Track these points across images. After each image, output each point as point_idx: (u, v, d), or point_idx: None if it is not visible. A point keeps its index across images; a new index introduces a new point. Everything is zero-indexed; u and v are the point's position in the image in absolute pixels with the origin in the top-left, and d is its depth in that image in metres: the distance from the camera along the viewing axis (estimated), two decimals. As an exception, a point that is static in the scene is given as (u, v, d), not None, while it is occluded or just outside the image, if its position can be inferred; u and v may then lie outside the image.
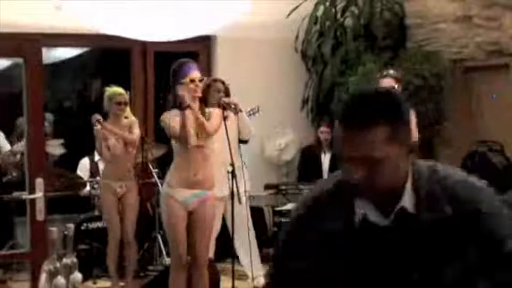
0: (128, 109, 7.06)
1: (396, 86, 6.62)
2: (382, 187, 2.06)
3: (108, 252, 6.90)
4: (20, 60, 4.56)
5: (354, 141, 2.02)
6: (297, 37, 9.11)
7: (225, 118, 6.80)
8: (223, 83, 7.10)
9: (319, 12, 9.10)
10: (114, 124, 6.92)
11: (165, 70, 9.23)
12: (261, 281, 7.20)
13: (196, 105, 5.72)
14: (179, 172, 5.70)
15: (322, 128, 8.68)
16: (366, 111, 2.03)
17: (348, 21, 9.13)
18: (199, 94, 5.71)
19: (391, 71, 6.93)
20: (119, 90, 7.01)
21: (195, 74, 5.74)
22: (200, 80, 5.73)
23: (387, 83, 6.69)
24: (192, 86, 5.66)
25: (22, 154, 7.24)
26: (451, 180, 2.14)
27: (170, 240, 5.76)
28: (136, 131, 7.01)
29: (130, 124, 6.99)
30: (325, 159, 8.65)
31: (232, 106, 6.71)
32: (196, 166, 5.68)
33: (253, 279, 7.19)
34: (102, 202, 7.10)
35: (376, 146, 2.01)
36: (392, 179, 2.08)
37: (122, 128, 6.93)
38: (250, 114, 7.37)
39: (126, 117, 7.00)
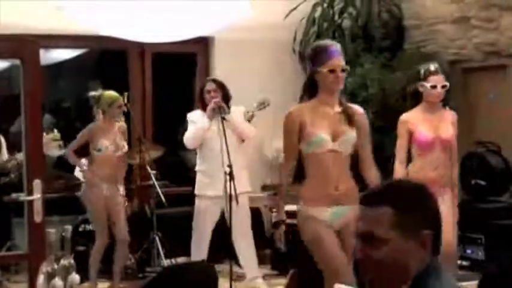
0: None
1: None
2: (377, 272, 2.14)
3: (94, 253, 6.91)
4: (17, 61, 4.55)
5: (362, 217, 2.18)
6: (294, 38, 9.11)
7: (223, 118, 6.83)
8: (214, 81, 7.09)
9: (317, 14, 9.10)
10: (109, 126, 6.94)
11: (163, 71, 9.28)
12: (260, 282, 7.19)
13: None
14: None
15: None
16: (376, 194, 2.23)
17: (346, 23, 9.13)
18: (341, 86, 4.84)
19: (437, 65, 6.02)
20: (116, 93, 7.05)
21: (337, 61, 4.77)
22: (343, 70, 4.80)
23: (439, 80, 5.86)
24: (331, 77, 4.74)
25: (18, 164, 7.25)
26: None
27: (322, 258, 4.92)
28: (125, 143, 7.06)
29: (123, 130, 7.05)
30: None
31: (216, 109, 6.78)
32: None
33: (250, 280, 7.20)
34: (87, 202, 7.05)
35: (380, 224, 2.12)
36: (390, 270, 2.13)
37: (115, 131, 6.96)
38: (260, 108, 7.40)
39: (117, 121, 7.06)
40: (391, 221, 2.12)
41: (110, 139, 6.91)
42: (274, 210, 5.00)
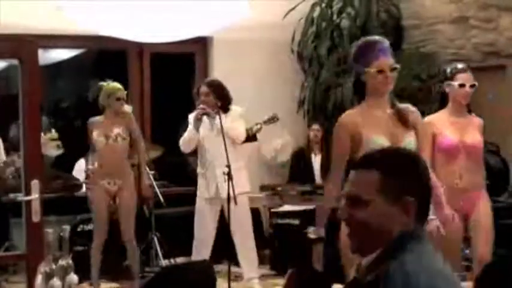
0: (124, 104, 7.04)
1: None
2: (359, 233, 2.23)
3: (93, 252, 6.90)
4: (16, 61, 4.55)
5: (350, 179, 2.28)
6: (293, 38, 9.11)
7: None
8: (206, 84, 7.03)
9: (316, 14, 9.10)
10: (111, 120, 6.90)
11: (161, 71, 9.28)
12: (255, 283, 7.17)
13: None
14: None
15: (314, 126, 8.71)
16: (366, 158, 2.31)
17: (344, 23, 9.13)
18: (391, 87, 4.42)
19: (464, 64, 5.57)
20: (118, 85, 6.99)
21: (386, 60, 4.35)
22: (393, 69, 4.40)
23: (467, 79, 5.40)
24: (380, 77, 4.33)
25: (16, 169, 7.24)
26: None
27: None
28: (137, 128, 7.01)
29: (127, 120, 6.97)
30: (316, 160, 8.67)
31: (200, 118, 6.78)
32: None
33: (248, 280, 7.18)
34: (90, 200, 7.04)
35: (366, 187, 2.22)
36: (371, 231, 2.21)
37: (118, 123, 6.90)
38: (268, 123, 7.40)
39: (122, 113, 6.98)
40: (376, 184, 2.20)
41: (112, 132, 6.86)
42: (309, 229, 4.60)
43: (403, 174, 2.22)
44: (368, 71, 4.29)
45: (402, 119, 4.39)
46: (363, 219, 2.20)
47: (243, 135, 6.97)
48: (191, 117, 7.05)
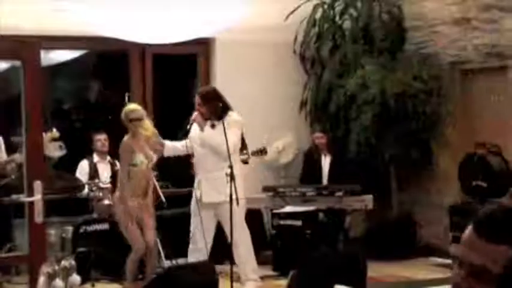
0: (146, 122, 7.01)
1: None
2: None
3: (130, 263, 6.92)
4: (18, 62, 4.55)
5: (475, 248, 1.93)
6: (295, 39, 9.11)
7: (212, 126, 6.83)
8: (198, 94, 7.02)
9: (318, 15, 9.10)
10: (133, 140, 6.91)
11: (163, 73, 9.28)
12: (251, 285, 7.12)
13: None
14: None
15: (317, 134, 8.69)
16: (497, 226, 1.93)
17: (347, 24, 9.13)
18: None
19: None
20: (132, 106, 7.01)
21: None
22: None
23: None
24: None
25: (17, 165, 7.25)
26: None
27: None
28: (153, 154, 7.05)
29: (151, 142, 7.01)
30: (326, 162, 8.65)
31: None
32: None
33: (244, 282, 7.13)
34: (118, 219, 7.05)
35: (495, 261, 1.90)
36: None
37: (141, 143, 6.93)
38: (256, 156, 7.36)
39: (145, 130, 6.98)
40: (507, 259, 1.91)
41: (141, 152, 6.88)
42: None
43: None
44: None
45: None
46: None
47: (231, 149, 6.79)
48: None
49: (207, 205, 6.92)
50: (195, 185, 7.08)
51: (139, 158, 6.87)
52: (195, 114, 6.93)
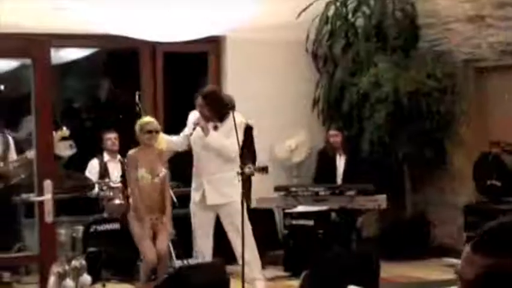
0: (160, 136, 6.96)
1: None
2: None
3: (143, 268, 6.88)
4: (28, 61, 4.51)
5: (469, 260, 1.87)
6: (307, 37, 9.05)
7: (215, 127, 6.77)
8: (201, 95, 6.89)
9: (330, 12, 9.04)
10: (145, 153, 6.85)
11: (174, 71, 9.24)
12: (260, 284, 7.05)
13: None
14: None
15: (331, 132, 8.61)
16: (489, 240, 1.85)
17: (359, 21, 9.07)
18: None
19: None
20: (147, 119, 6.95)
21: None
22: None
23: None
24: None
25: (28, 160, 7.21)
26: None
27: None
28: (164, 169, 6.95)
29: (164, 157, 6.96)
30: (340, 162, 8.57)
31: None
32: None
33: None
34: (132, 232, 6.97)
35: None
36: None
37: (151, 157, 6.86)
38: (259, 172, 7.22)
39: (159, 144, 6.92)
40: (481, 266, 1.82)
41: (146, 167, 6.81)
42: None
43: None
44: None
45: None
46: None
47: (234, 152, 6.64)
48: (191, 118, 6.98)
49: (208, 207, 6.86)
50: (194, 186, 6.98)
51: (141, 172, 6.78)
52: (198, 117, 6.83)
